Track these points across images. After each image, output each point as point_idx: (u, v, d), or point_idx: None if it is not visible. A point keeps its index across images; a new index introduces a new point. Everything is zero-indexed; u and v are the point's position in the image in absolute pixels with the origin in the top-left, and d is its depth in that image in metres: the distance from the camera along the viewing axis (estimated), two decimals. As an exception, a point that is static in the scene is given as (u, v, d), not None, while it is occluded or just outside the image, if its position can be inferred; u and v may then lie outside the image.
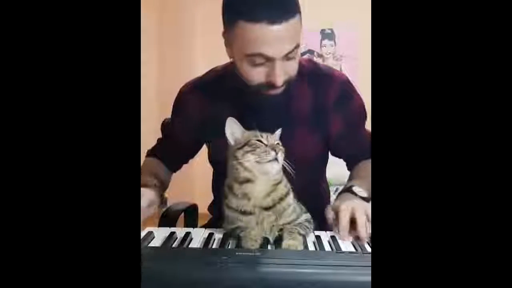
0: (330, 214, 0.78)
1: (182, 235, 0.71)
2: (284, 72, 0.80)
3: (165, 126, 1.12)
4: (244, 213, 0.70)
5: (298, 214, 0.73)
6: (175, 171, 1.11)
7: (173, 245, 0.67)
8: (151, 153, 1.11)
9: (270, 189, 0.70)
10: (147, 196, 0.81)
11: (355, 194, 0.80)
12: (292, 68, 0.83)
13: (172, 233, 0.70)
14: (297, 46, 0.80)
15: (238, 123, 0.76)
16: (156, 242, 0.68)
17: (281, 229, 0.69)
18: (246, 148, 0.70)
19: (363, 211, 0.73)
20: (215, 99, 0.96)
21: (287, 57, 0.79)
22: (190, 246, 0.68)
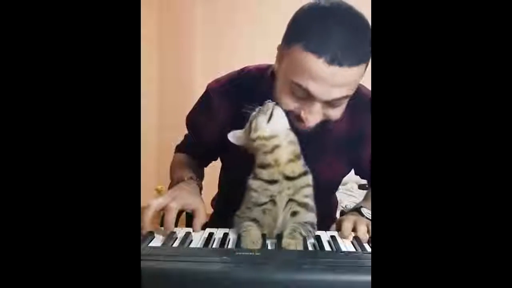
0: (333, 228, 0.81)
1: (182, 235, 0.71)
2: (321, 115, 0.75)
3: (191, 121, 1.05)
4: (271, 182, 0.71)
5: (311, 207, 0.73)
6: (205, 166, 1.09)
7: (173, 245, 0.67)
8: (179, 149, 1.10)
9: (291, 157, 0.72)
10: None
11: (362, 215, 0.81)
12: (332, 115, 0.76)
13: (172, 233, 0.70)
14: (347, 97, 0.73)
15: (237, 131, 0.78)
16: (156, 242, 0.69)
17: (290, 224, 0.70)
18: (253, 124, 0.72)
19: (364, 223, 0.75)
20: (244, 101, 0.89)
21: (330, 103, 0.72)
22: (190, 246, 0.68)
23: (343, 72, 0.67)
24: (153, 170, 2.64)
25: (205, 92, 0.98)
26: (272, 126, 0.72)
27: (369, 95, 0.89)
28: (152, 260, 0.53)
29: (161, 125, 2.90)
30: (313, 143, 0.77)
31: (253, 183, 0.73)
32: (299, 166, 0.73)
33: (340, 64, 0.66)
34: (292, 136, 0.74)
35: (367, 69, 0.71)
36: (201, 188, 0.92)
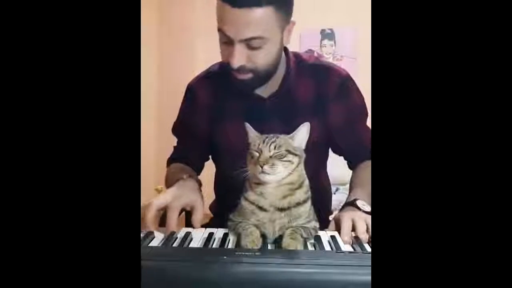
0: (332, 226, 0.80)
1: (182, 235, 0.71)
2: (244, 58, 0.84)
3: (177, 127, 1.11)
4: (260, 208, 0.70)
5: (309, 220, 0.73)
6: (199, 173, 1.10)
7: (173, 245, 0.67)
8: (172, 160, 1.11)
9: (287, 192, 0.70)
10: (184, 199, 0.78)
11: (359, 208, 0.80)
12: (257, 58, 0.85)
13: (172, 233, 0.70)
14: (262, 38, 0.82)
15: (251, 127, 0.75)
16: (156, 242, 0.68)
17: (287, 228, 0.69)
18: (248, 155, 0.71)
19: (363, 220, 0.75)
20: (221, 90, 1.00)
21: (248, 44, 0.82)
22: (190, 246, 0.68)
23: (244, 13, 0.80)
24: (153, 170, 2.64)
25: (186, 90, 1.07)
26: (262, 177, 0.67)
27: (329, 64, 1.03)
28: (152, 260, 0.53)
29: (160, 124, 2.89)
30: (281, 109, 0.85)
31: (242, 200, 0.72)
32: (297, 196, 0.70)
33: (239, 6, 0.79)
34: (291, 177, 0.69)
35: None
36: (200, 184, 0.92)
